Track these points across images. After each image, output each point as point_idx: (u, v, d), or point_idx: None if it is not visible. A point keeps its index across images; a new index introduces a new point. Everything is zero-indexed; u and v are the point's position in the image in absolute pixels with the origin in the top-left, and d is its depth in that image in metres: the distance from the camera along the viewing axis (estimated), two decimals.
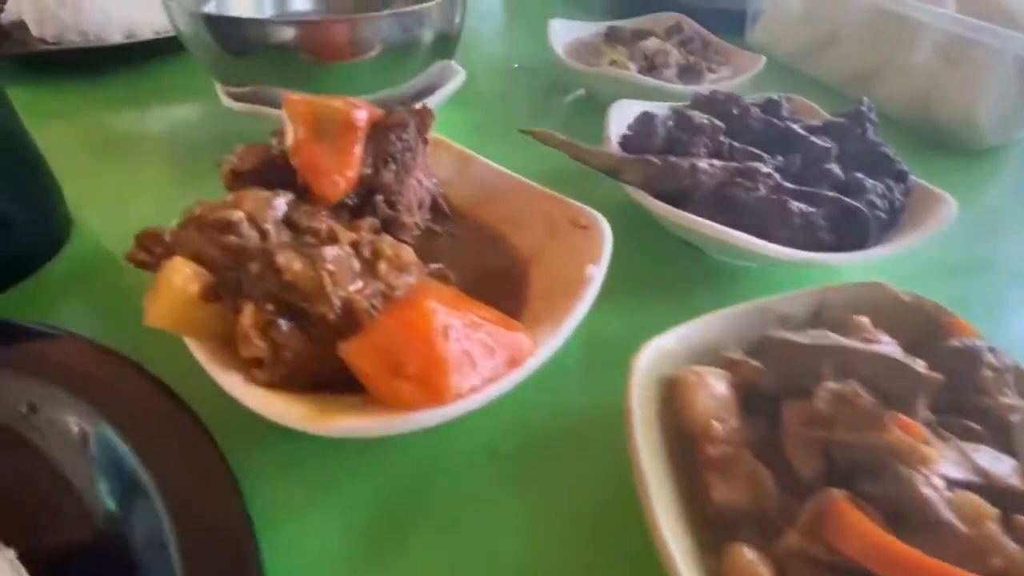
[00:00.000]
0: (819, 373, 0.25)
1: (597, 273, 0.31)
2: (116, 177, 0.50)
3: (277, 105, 0.47)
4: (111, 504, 0.24)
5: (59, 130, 0.55)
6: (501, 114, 0.62)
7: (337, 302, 0.26)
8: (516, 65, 0.66)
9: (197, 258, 0.28)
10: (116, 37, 0.64)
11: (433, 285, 0.27)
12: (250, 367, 0.25)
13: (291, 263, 0.25)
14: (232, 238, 0.27)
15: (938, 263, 0.43)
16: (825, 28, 0.69)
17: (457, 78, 0.51)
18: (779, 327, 0.31)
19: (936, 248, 0.40)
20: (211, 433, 0.26)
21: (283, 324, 0.26)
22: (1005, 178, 0.58)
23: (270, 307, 0.26)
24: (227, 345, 0.27)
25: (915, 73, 0.61)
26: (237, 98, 0.48)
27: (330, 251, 0.27)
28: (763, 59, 0.61)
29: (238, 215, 0.28)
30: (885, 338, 0.29)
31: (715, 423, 0.24)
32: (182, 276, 0.25)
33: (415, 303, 0.24)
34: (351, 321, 0.26)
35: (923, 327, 0.30)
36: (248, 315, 0.25)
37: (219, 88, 0.49)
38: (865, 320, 0.29)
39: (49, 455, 0.25)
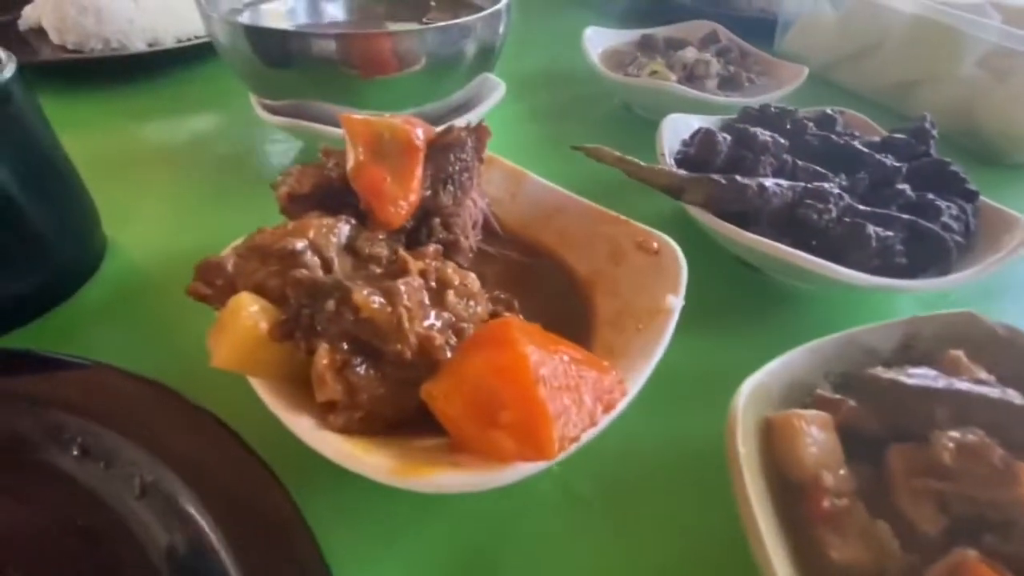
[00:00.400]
0: (932, 418, 0.24)
1: (677, 304, 0.29)
2: (145, 191, 0.48)
3: (313, 118, 0.45)
4: (177, 557, 0.23)
5: (82, 141, 0.53)
6: (535, 125, 0.61)
7: (414, 340, 0.24)
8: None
9: (260, 290, 0.26)
10: (139, 45, 0.62)
11: (516, 321, 0.25)
12: (323, 411, 0.24)
13: (368, 301, 0.23)
14: (303, 272, 0.25)
15: (993, 285, 0.41)
16: (862, 38, 0.68)
17: (498, 91, 0.50)
18: (866, 360, 0.29)
19: None
20: (279, 478, 0.24)
21: (359, 365, 0.24)
22: None
23: (344, 346, 0.24)
24: (291, 385, 0.26)
25: (958, 85, 0.60)
26: (273, 111, 0.46)
27: (404, 285, 0.25)
28: (805, 70, 0.59)
29: (302, 243, 0.27)
30: (984, 374, 0.27)
31: (825, 473, 0.23)
32: (250, 314, 0.24)
33: (505, 343, 0.22)
34: (426, 359, 0.25)
35: (1019, 362, 0.29)
36: (323, 356, 0.23)
37: (254, 100, 0.47)
38: (961, 355, 0.28)
39: (107, 504, 0.24)
